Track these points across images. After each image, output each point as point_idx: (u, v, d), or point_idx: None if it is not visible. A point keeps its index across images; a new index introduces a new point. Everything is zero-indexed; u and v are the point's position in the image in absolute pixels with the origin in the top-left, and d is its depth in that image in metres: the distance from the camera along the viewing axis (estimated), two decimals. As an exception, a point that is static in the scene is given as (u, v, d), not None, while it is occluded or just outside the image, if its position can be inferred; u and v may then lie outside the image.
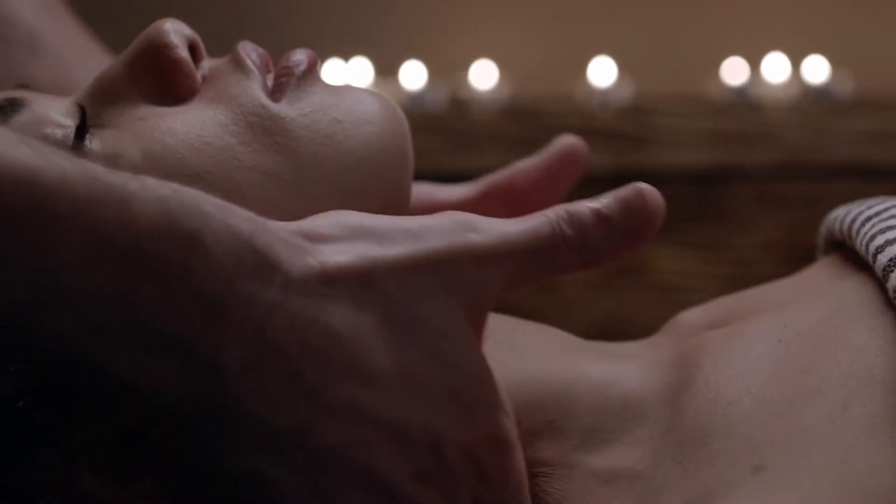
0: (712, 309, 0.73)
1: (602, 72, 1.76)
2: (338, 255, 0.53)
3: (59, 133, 0.60)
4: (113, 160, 0.60)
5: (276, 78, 0.63)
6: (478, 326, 0.55)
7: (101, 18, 1.96)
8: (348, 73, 1.81)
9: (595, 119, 1.65)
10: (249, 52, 0.64)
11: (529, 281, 0.55)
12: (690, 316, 0.72)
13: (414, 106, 1.72)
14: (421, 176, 1.57)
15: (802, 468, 0.54)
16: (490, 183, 0.80)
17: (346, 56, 1.83)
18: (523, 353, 0.65)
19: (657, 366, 0.65)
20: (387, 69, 1.82)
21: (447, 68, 1.84)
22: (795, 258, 1.61)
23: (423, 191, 0.80)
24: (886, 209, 0.66)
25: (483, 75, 1.79)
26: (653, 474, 0.59)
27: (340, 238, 0.53)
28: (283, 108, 0.62)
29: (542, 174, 0.82)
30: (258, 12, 1.97)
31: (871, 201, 0.69)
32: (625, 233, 0.55)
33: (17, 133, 0.52)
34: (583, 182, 1.63)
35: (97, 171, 0.50)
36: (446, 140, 1.63)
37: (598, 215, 0.55)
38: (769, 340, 0.61)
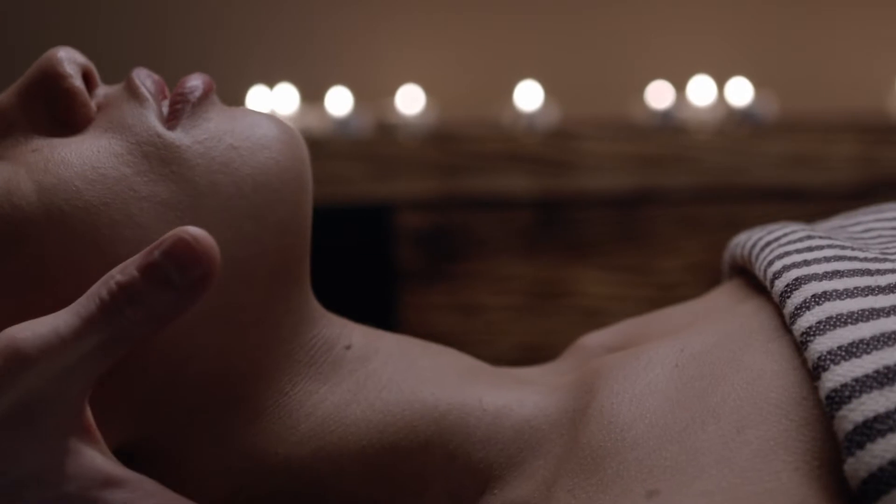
0: (614, 332, 0.73)
1: (528, 96, 1.77)
2: None
3: None
4: (7, 197, 0.59)
5: (171, 105, 0.62)
6: (76, 431, 0.53)
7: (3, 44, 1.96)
8: (274, 99, 1.81)
9: (520, 144, 1.66)
10: (144, 79, 0.63)
11: (111, 362, 0.53)
12: (592, 339, 0.72)
13: (340, 132, 1.72)
14: (346, 202, 1.58)
15: (695, 491, 0.54)
16: None
17: (271, 83, 1.83)
18: (419, 378, 0.64)
19: (554, 392, 0.64)
20: (313, 95, 1.82)
21: (373, 94, 1.84)
22: (718, 281, 1.63)
23: None
24: (785, 234, 0.67)
25: (409, 100, 1.80)
26: None
27: None
28: (178, 137, 0.61)
29: None
30: (182, 40, 1.96)
31: (770, 227, 0.70)
32: (185, 287, 0.53)
33: None
34: (508, 207, 1.64)
35: None
36: (372, 166, 1.63)
37: (152, 277, 0.52)
38: (666, 364, 0.61)
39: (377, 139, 1.70)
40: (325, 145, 1.58)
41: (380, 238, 1.63)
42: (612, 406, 0.60)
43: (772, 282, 0.62)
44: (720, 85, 1.80)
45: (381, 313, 1.56)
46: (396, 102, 1.80)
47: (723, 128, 1.70)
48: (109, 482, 0.54)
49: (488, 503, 0.62)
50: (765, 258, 0.65)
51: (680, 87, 1.80)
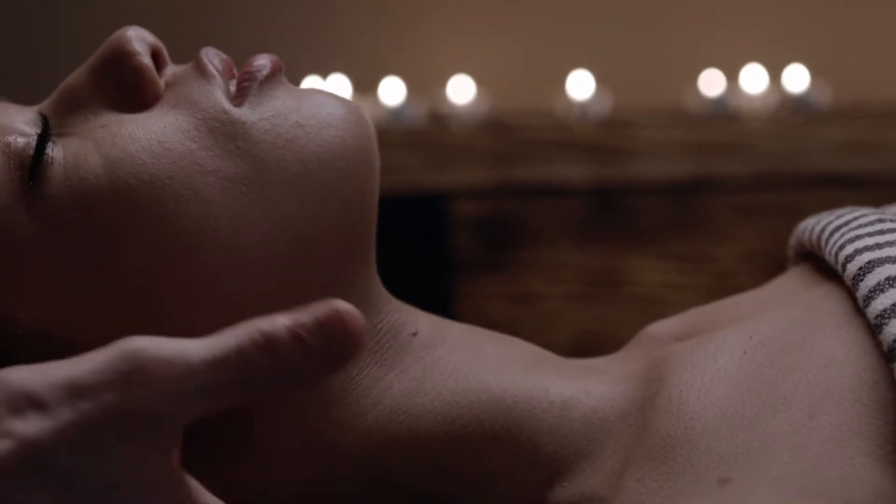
0: (681, 321, 0.72)
1: (580, 85, 1.77)
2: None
3: (21, 141, 0.60)
4: (74, 170, 0.60)
5: (239, 83, 0.63)
6: (170, 450, 0.52)
7: (73, 25, 1.97)
8: (327, 89, 1.81)
9: (573, 132, 1.65)
10: (212, 57, 0.64)
11: (224, 407, 0.51)
12: (659, 328, 0.72)
13: (393, 121, 1.73)
14: (401, 191, 1.58)
15: (768, 479, 0.54)
16: None
17: (324, 73, 1.84)
18: (485, 367, 0.64)
19: (621, 381, 0.64)
20: (365, 85, 1.83)
21: (425, 84, 1.84)
22: (775, 268, 1.61)
23: None
24: (855, 218, 0.66)
25: (461, 90, 1.80)
26: (614, 497, 0.59)
27: (1, 417, 0.49)
28: (244, 113, 0.62)
29: None
30: (236, 30, 1.97)
31: (839, 211, 0.69)
32: (324, 359, 0.51)
33: None
34: (562, 195, 1.64)
35: None
36: (425, 155, 1.63)
37: (296, 340, 0.50)
38: (734, 351, 0.61)
39: (431, 128, 1.70)
40: (379, 135, 1.56)
41: (435, 227, 1.63)
42: (680, 394, 0.60)
43: (843, 265, 0.62)
44: (773, 73, 1.79)
45: (437, 302, 1.56)
46: (448, 92, 1.80)
47: (777, 115, 1.69)
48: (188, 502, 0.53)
49: (557, 496, 0.62)
50: (835, 242, 0.64)
51: (733, 75, 1.79)
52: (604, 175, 1.64)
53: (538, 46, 1.97)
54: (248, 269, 0.60)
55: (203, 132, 0.61)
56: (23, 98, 0.67)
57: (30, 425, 0.49)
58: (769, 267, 1.57)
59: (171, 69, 0.65)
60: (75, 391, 0.49)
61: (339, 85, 1.82)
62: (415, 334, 0.66)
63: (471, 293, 1.64)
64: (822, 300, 0.63)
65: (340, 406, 0.63)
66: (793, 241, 0.74)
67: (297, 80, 1.81)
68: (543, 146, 1.64)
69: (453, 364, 0.65)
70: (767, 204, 1.62)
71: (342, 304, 0.50)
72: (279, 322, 0.50)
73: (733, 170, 1.63)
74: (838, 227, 0.66)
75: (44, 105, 0.64)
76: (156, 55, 0.64)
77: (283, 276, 0.61)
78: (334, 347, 0.50)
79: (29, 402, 0.49)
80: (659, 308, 1.59)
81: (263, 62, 0.64)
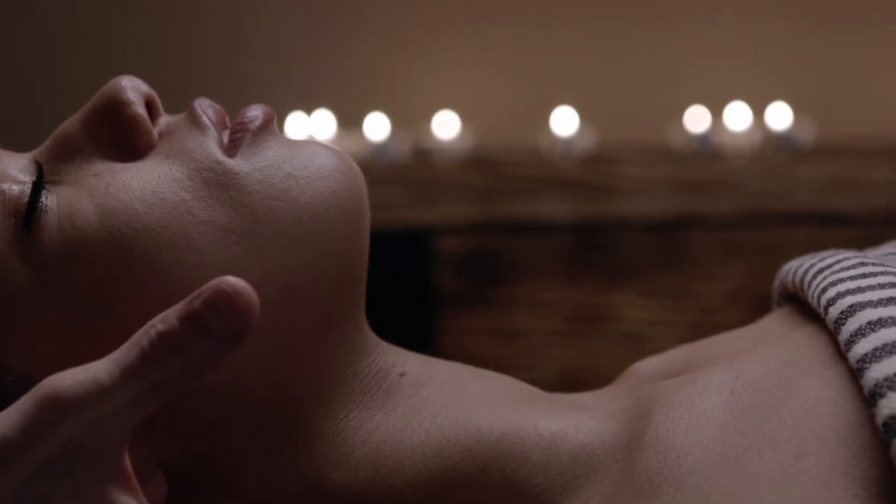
0: (668, 358, 0.72)
1: (564, 121, 1.77)
2: None
3: (15, 189, 0.61)
4: (68, 219, 0.60)
5: (232, 133, 0.63)
6: (116, 475, 0.53)
7: (64, 73, 1.97)
8: (311, 125, 1.82)
9: (557, 168, 1.66)
10: (206, 108, 0.64)
11: (149, 409, 0.53)
12: (646, 365, 0.72)
13: (377, 157, 1.73)
14: (385, 227, 1.58)
15: None
16: None
17: (308, 109, 1.84)
18: (473, 404, 0.65)
19: (610, 417, 0.64)
20: (350, 121, 1.83)
21: (410, 119, 1.85)
22: (758, 306, 1.62)
23: None
24: (837, 261, 0.67)
25: (446, 126, 1.80)
26: None
27: None
28: (237, 164, 0.62)
29: None
30: (220, 66, 1.98)
31: (822, 254, 0.70)
32: (224, 336, 0.52)
33: None
34: (547, 231, 1.64)
35: None
36: (410, 190, 1.63)
37: (191, 327, 0.51)
38: (721, 391, 0.61)
39: (415, 164, 1.70)
40: (363, 171, 1.57)
41: (419, 262, 1.64)
42: (668, 432, 0.60)
43: (826, 309, 0.62)
44: (757, 110, 1.80)
45: (420, 337, 1.57)
46: (433, 128, 1.81)
47: (761, 152, 1.70)
48: None
49: None
50: (818, 285, 0.65)
51: (717, 112, 1.80)
52: (588, 211, 1.64)
53: (522, 82, 1.98)
54: None
55: (197, 182, 0.61)
56: (9, 144, 0.67)
57: None
58: (753, 304, 1.58)
59: (164, 119, 0.65)
60: (11, 452, 0.50)
61: (323, 120, 1.83)
62: (402, 375, 0.66)
63: (455, 328, 1.64)
64: (808, 342, 0.63)
65: (329, 446, 0.63)
66: (777, 282, 0.75)
67: (282, 116, 1.81)
68: (528, 182, 1.64)
69: (442, 402, 0.65)
70: (751, 241, 1.63)
71: (228, 280, 0.51)
72: (170, 316, 0.52)
73: (717, 207, 1.63)
74: (821, 270, 0.67)
75: (37, 152, 0.64)
76: (149, 105, 0.65)
77: (274, 323, 0.61)
78: (228, 321, 0.51)
79: None
80: (643, 344, 1.60)
81: (256, 113, 0.64)
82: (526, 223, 1.64)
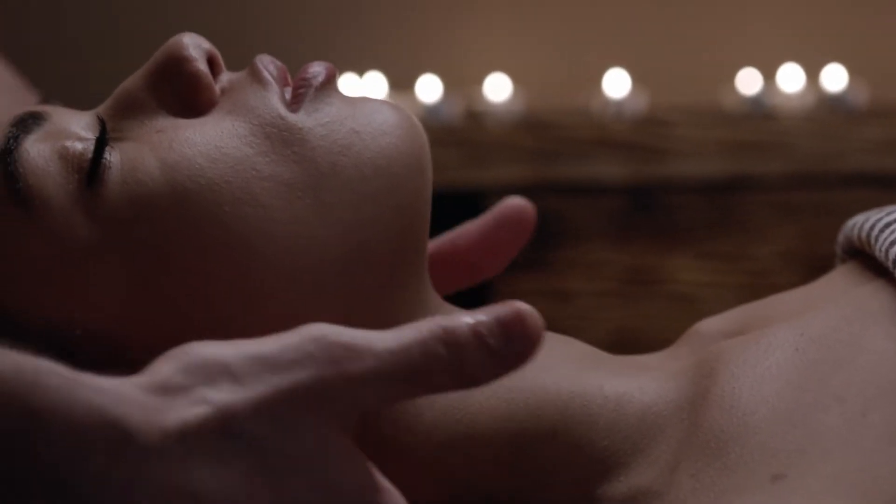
0: (730, 318, 0.72)
1: (616, 83, 1.77)
2: (195, 408, 0.49)
3: (79, 146, 0.61)
4: (132, 174, 0.60)
5: (294, 89, 0.63)
6: (349, 433, 0.53)
7: (121, 34, 1.98)
8: (363, 87, 1.82)
9: (609, 130, 1.66)
10: (267, 64, 0.65)
11: (400, 399, 0.53)
12: (708, 325, 0.72)
13: (429, 119, 1.73)
14: (437, 189, 1.59)
15: (821, 475, 0.54)
16: (433, 247, 0.77)
17: (360, 71, 1.84)
18: (540, 367, 0.64)
19: (673, 377, 0.64)
20: (402, 83, 1.83)
21: (462, 82, 1.85)
22: (812, 267, 1.61)
23: None
24: (907, 215, 0.66)
25: (497, 88, 1.80)
26: (668, 491, 0.59)
27: (194, 385, 0.50)
28: (300, 119, 0.62)
29: (483, 237, 0.79)
30: (273, 28, 1.98)
31: (889, 208, 0.69)
32: (503, 358, 0.51)
33: None
34: (599, 193, 1.64)
35: None
36: (462, 153, 1.63)
37: (477, 337, 0.51)
38: (786, 348, 0.61)
39: (467, 126, 1.70)
40: (415, 133, 1.58)
41: (471, 224, 1.64)
42: (733, 390, 0.60)
43: (895, 262, 0.62)
44: (810, 72, 1.79)
45: (473, 300, 1.57)
46: (485, 90, 1.81)
47: (814, 114, 1.69)
48: (381, 488, 0.53)
49: (613, 490, 0.62)
50: (885, 238, 0.64)
51: (770, 74, 1.79)
52: (640, 173, 1.64)
53: (574, 45, 1.97)
54: (304, 274, 0.61)
55: (259, 138, 0.62)
56: (72, 102, 0.68)
57: (225, 394, 0.49)
58: (806, 266, 1.57)
59: (225, 76, 0.66)
60: (268, 366, 0.50)
61: (375, 82, 1.83)
62: None
63: (507, 291, 1.64)
64: (872, 297, 0.63)
65: (396, 408, 0.63)
66: (841, 237, 0.74)
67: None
68: (580, 144, 1.64)
69: None
70: (804, 203, 1.62)
71: (523, 306, 0.51)
72: (461, 319, 0.51)
73: (770, 169, 1.63)
74: (888, 224, 0.66)
75: (100, 109, 0.65)
76: (211, 61, 0.65)
77: (338, 280, 0.61)
78: (514, 348, 0.51)
79: (223, 373, 0.50)
80: (695, 306, 1.59)
81: (318, 69, 0.64)
82: (578, 185, 1.64)
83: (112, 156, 0.61)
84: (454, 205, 1.65)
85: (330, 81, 0.64)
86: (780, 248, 1.62)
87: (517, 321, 0.50)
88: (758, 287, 1.58)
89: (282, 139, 0.62)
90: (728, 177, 1.63)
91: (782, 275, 1.59)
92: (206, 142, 0.61)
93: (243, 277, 0.60)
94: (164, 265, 0.60)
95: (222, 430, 0.49)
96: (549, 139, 1.64)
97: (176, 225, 0.60)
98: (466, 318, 0.50)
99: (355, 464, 0.52)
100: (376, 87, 1.82)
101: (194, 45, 0.64)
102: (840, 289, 0.68)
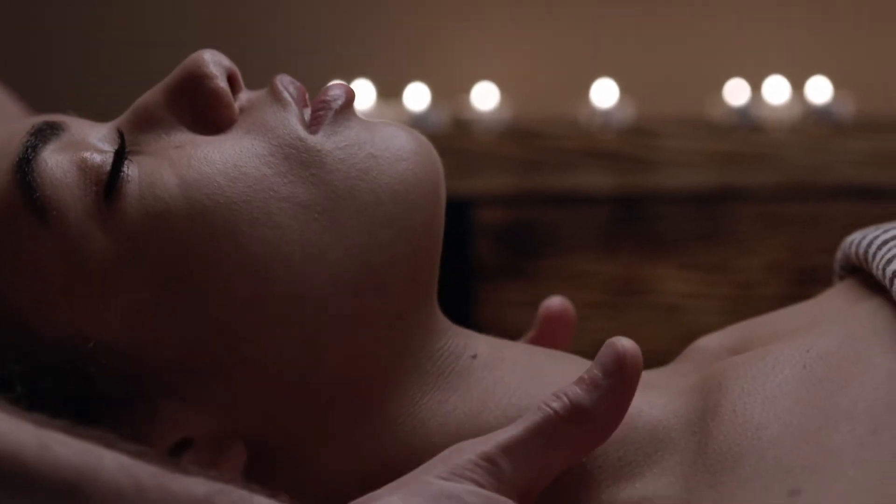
0: (730, 334, 0.72)
1: (604, 93, 1.77)
2: None
3: (97, 158, 0.61)
4: (150, 189, 0.60)
5: (314, 111, 0.64)
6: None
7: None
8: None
9: (596, 140, 1.66)
10: (287, 84, 0.65)
11: (548, 471, 0.58)
12: (708, 341, 0.72)
13: (417, 127, 1.72)
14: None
15: (837, 492, 0.54)
16: None
17: (349, 78, 1.84)
18: (548, 383, 0.65)
19: (681, 393, 0.64)
20: (390, 91, 1.83)
21: (450, 90, 1.85)
22: (798, 279, 1.62)
23: None
24: (903, 232, 0.67)
25: (485, 97, 1.80)
26: (686, 499, 0.59)
27: None
28: (319, 141, 0.63)
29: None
30: (262, 37, 1.98)
31: (886, 225, 0.69)
32: (616, 390, 0.58)
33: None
34: (585, 203, 1.64)
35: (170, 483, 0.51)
36: (449, 161, 1.62)
37: (583, 382, 0.58)
38: (794, 365, 0.61)
39: (454, 135, 1.70)
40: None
41: (458, 234, 1.64)
42: (744, 406, 0.60)
43: (892, 280, 0.62)
44: (795, 84, 1.80)
45: (459, 308, 1.57)
46: (472, 99, 1.81)
47: (801, 126, 1.69)
48: None
49: (627, 494, 0.62)
50: (882, 257, 0.65)
51: (757, 85, 1.79)
52: (627, 183, 1.64)
53: (562, 54, 1.97)
54: (317, 295, 0.61)
55: (278, 158, 0.62)
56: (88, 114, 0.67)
57: None
58: (792, 277, 1.58)
59: (245, 94, 0.66)
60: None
61: (363, 90, 1.83)
62: (474, 357, 0.66)
63: (493, 300, 1.64)
64: (874, 315, 0.63)
65: (407, 429, 0.63)
66: (839, 254, 0.75)
67: (321, 85, 1.81)
68: (567, 154, 1.65)
69: (515, 383, 0.65)
70: (791, 214, 1.63)
71: (620, 341, 0.58)
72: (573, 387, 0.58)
73: (757, 180, 1.63)
74: (886, 242, 0.66)
75: (119, 122, 0.64)
76: (231, 79, 0.65)
77: (351, 303, 0.61)
78: (621, 379, 0.58)
79: None
80: (681, 317, 1.60)
81: (338, 92, 0.65)
82: (564, 195, 1.64)
83: (130, 169, 0.61)
84: (441, 213, 1.66)
85: (349, 105, 0.65)
86: (767, 259, 1.62)
87: (617, 356, 0.58)
88: (744, 298, 1.59)
89: (300, 160, 0.62)
90: (715, 188, 1.63)
91: (769, 286, 1.59)
92: (226, 160, 0.61)
93: (257, 297, 0.60)
94: (178, 282, 0.60)
95: None
96: (537, 148, 1.64)
97: (192, 242, 0.60)
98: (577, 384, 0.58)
99: None
100: (364, 95, 1.82)
101: (215, 63, 0.65)
102: (841, 306, 0.68)
